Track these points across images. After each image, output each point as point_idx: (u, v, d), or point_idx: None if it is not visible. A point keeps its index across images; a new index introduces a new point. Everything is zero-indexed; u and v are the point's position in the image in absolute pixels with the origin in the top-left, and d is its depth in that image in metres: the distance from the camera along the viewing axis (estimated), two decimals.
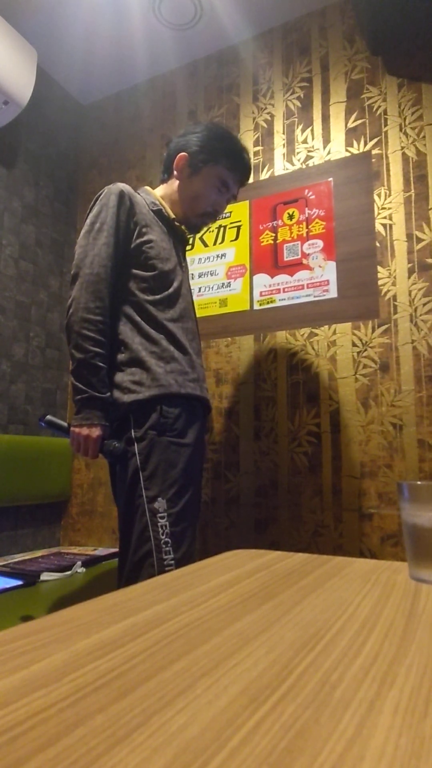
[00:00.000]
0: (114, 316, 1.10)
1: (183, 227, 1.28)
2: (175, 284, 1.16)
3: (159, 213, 1.20)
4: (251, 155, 1.38)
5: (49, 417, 1.09)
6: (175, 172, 1.23)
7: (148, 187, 1.26)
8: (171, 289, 1.15)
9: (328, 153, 1.70)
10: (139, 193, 1.20)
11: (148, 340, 1.09)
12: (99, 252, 1.06)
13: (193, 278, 1.86)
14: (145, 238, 1.12)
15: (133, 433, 1.06)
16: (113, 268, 1.08)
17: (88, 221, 1.10)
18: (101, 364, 1.04)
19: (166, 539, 1.01)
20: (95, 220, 1.09)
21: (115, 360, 1.09)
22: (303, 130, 1.77)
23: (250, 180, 1.82)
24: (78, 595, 1.25)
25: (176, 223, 1.24)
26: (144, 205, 1.17)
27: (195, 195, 1.22)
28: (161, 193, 1.26)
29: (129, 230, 1.12)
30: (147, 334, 1.10)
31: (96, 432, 1.02)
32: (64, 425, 1.08)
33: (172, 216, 1.23)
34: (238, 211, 1.83)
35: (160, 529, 1.01)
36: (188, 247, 1.32)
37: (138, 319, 1.10)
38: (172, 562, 1.01)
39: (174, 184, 1.24)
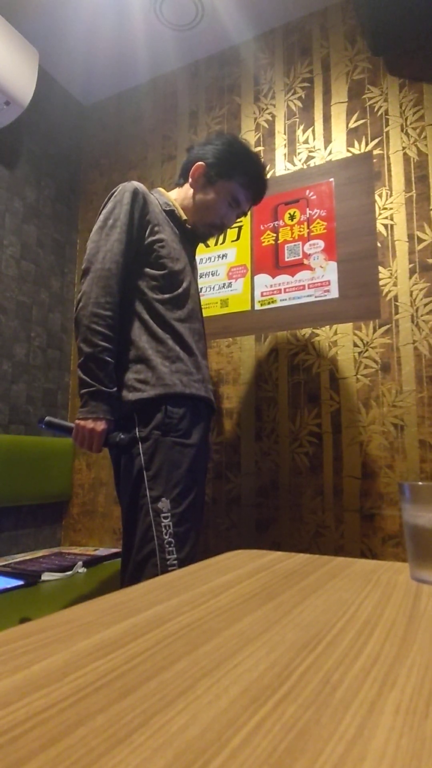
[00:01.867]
0: (123, 313, 1.10)
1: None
2: (185, 284, 1.17)
3: (171, 214, 1.21)
4: (266, 180, 1.32)
5: (48, 418, 1.09)
6: (190, 180, 1.24)
7: (161, 189, 1.28)
8: (180, 290, 1.15)
9: (330, 153, 1.70)
10: (152, 194, 1.21)
11: (155, 339, 1.10)
12: (111, 248, 1.07)
13: None
14: (157, 236, 1.13)
15: (137, 433, 1.06)
16: (125, 264, 1.09)
17: (101, 217, 1.11)
18: (109, 358, 1.04)
19: (170, 539, 1.01)
20: (109, 216, 1.10)
21: (122, 357, 1.09)
22: (304, 131, 1.77)
23: None
24: (79, 595, 1.25)
25: (187, 225, 1.25)
26: (157, 204, 1.18)
27: (206, 206, 1.23)
28: (175, 196, 1.27)
29: (141, 228, 1.12)
30: (154, 333, 1.10)
31: (101, 425, 1.02)
32: (65, 424, 1.08)
33: (184, 217, 1.24)
34: None
35: (163, 529, 1.01)
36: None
37: (146, 317, 1.11)
38: (175, 562, 1.01)
39: (188, 190, 1.25)
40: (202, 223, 1.25)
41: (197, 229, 1.27)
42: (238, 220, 1.82)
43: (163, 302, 1.12)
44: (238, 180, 1.22)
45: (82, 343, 1.04)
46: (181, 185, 1.28)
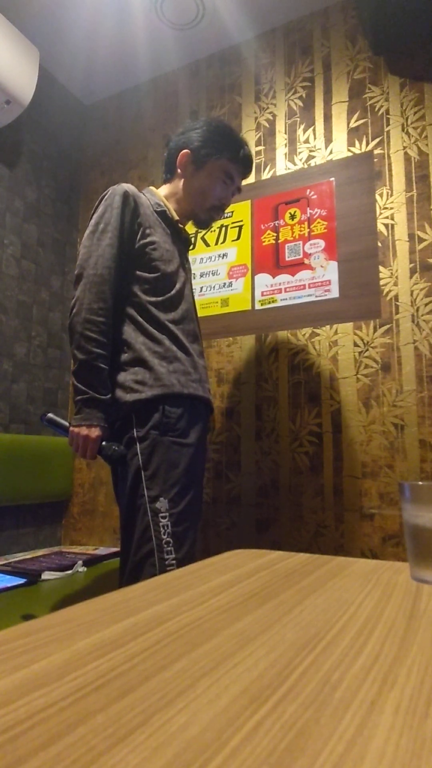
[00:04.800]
0: (116, 317, 1.10)
1: (186, 229, 1.28)
2: (178, 286, 1.16)
3: (163, 214, 1.20)
4: (252, 152, 1.40)
5: (50, 415, 1.09)
6: (178, 170, 1.24)
7: (152, 188, 1.27)
8: (173, 291, 1.15)
9: (330, 153, 1.70)
10: (143, 194, 1.20)
11: (152, 340, 1.09)
12: (103, 253, 1.06)
13: (194, 278, 1.86)
14: (149, 239, 1.12)
15: (135, 433, 1.05)
16: (117, 269, 1.08)
17: (92, 222, 1.10)
18: (103, 365, 1.04)
19: (168, 539, 1.01)
20: (99, 220, 1.09)
21: (117, 360, 1.09)
22: (305, 130, 1.77)
23: (252, 179, 1.82)
24: (79, 594, 1.25)
25: (180, 225, 1.24)
26: (148, 206, 1.18)
27: (201, 190, 1.23)
28: (165, 192, 1.26)
29: (133, 231, 1.12)
30: (150, 335, 1.10)
31: (95, 432, 1.02)
32: (66, 424, 1.08)
33: (176, 218, 1.23)
34: (240, 211, 1.83)
35: (161, 529, 1.01)
36: (190, 247, 1.33)
37: (140, 319, 1.10)
38: (174, 562, 1.01)
39: (178, 182, 1.25)
40: (201, 209, 1.25)
41: (198, 217, 1.27)
42: (239, 221, 1.82)
43: (156, 304, 1.12)
44: (227, 155, 1.23)
45: (76, 350, 1.03)
46: (169, 180, 1.27)
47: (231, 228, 1.84)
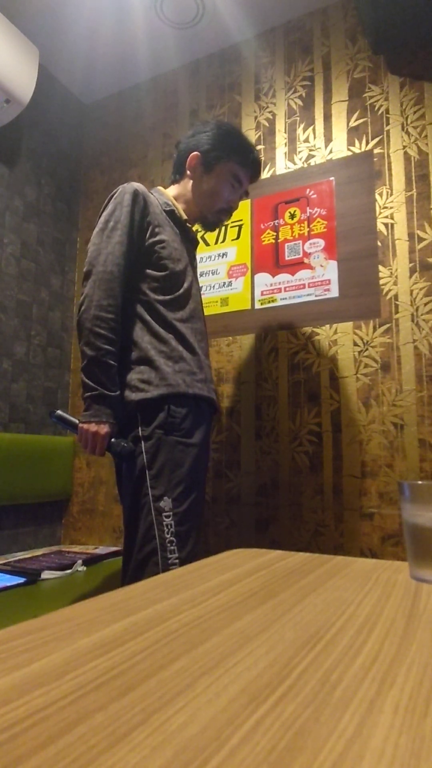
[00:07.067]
0: (124, 315, 1.10)
1: (194, 228, 1.29)
2: (186, 285, 1.17)
3: (171, 213, 1.21)
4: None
5: (59, 412, 1.10)
6: (188, 172, 1.25)
7: (161, 188, 1.28)
8: (181, 290, 1.15)
9: (330, 152, 1.70)
10: (152, 194, 1.21)
11: (158, 340, 1.10)
12: (113, 250, 1.07)
13: None
14: (158, 237, 1.13)
15: (140, 432, 1.06)
16: (126, 266, 1.09)
17: (101, 219, 1.11)
18: (112, 361, 1.04)
19: (171, 538, 1.01)
20: (109, 218, 1.10)
21: (124, 359, 1.10)
22: (305, 129, 1.76)
23: None
24: (78, 593, 1.25)
25: (188, 225, 1.25)
26: (157, 205, 1.18)
27: (210, 192, 1.24)
28: (174, 193, 1.27)
29: (142, 229, 1.13)
30: (156, 334, 1.10)
31: (104, 429, 1.02)
32: (75, 421, 1.08)
33: (185, 217, 1.24)
34: (240, 210, 1.83)
35: (165, 528, 1.02)
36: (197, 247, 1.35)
37: (148, 318, 1.11)
38: (177, 560, 1.01)
39: (187, 183, 1.25)
40: (209, 211, 1.26)
41: (206, 219, 1.28)
42: (239, 220, 1.82)
43: (164, 303, 1.12)
44: (236, 159, 1.24)
45: (85, 346, 1.04)
46: (177, 181, 1.28)
47: (231, 227, 1.84)
